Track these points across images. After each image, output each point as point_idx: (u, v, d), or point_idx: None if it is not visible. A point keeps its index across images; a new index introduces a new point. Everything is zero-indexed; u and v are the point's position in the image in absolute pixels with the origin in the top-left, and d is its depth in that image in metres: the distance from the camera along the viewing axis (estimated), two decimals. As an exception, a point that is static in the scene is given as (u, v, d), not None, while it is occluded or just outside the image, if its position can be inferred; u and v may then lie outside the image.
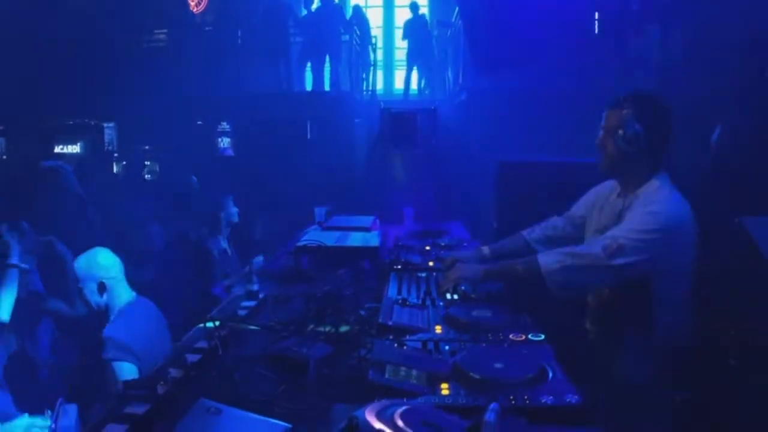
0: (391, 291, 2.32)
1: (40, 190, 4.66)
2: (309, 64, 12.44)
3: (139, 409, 1.39)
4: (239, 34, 12.65)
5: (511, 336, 1.81)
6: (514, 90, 8.88)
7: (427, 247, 3.14)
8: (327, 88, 12.18)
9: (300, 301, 2.39)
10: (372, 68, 13.05)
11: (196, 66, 12.25)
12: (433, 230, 3.80)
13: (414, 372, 1.48)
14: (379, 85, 14.50)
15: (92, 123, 13.68)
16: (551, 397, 1.38)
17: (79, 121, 13.87)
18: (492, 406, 1.04)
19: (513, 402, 1.37)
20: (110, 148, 13.98)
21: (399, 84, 14.32)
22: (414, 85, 13.32)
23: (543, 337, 1.82)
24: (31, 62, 12.10)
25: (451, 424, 1.06)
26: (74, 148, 14.21)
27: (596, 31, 10.03)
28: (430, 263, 2.76)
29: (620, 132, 2.20)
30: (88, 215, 4.47)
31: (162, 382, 1.52)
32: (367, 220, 4.15)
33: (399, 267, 2.69)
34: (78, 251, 3.19)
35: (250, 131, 12.58)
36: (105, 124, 13.96)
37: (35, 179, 9.60)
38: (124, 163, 13.96)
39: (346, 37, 11.78)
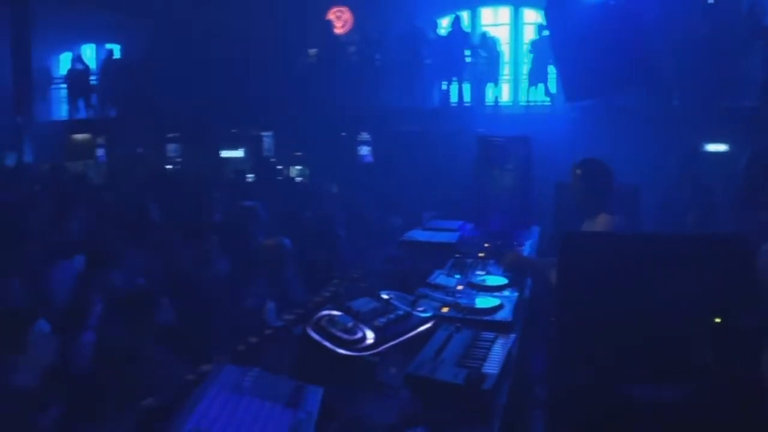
0: (445, 268, 3.79)
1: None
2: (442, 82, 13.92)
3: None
4: (377, 56, 14.22)
5: (496, 293, 3.24)
6: (618, 110, 9.86)
7: (486, 244, 4.55)
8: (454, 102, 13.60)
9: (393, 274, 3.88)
10: (496, 84, 14.33)
11: (341, 82, 13.90)
12: (499, 232, 5.19)
13: (436, 304, 2.96)
14: (506, 97, 15.71)
15: (253, 132, 15.88)
16: (492, 317, 2.82)
17: (242, 131, 16.08)
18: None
19: (478, 318, 2.82)
20: (268, 153, 16.09)
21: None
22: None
23: (517, 293, 3.24)
24: (203, 79, 14.33)
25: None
26: (238, 153, 16.46)
27: (701, 53, 10.60)
28: (480, 254, 4.18)
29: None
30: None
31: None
32: (457, 224, 5.60)
33: (457, 255, 4.15)
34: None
35: (385, 141, 14.21)
36: (264, 133, 16.08)
37: (205, 179, 11.69)
38: (280, 167, 15.97)
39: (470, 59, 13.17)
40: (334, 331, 1.86)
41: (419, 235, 5.00)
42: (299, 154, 15.93)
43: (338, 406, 1.82)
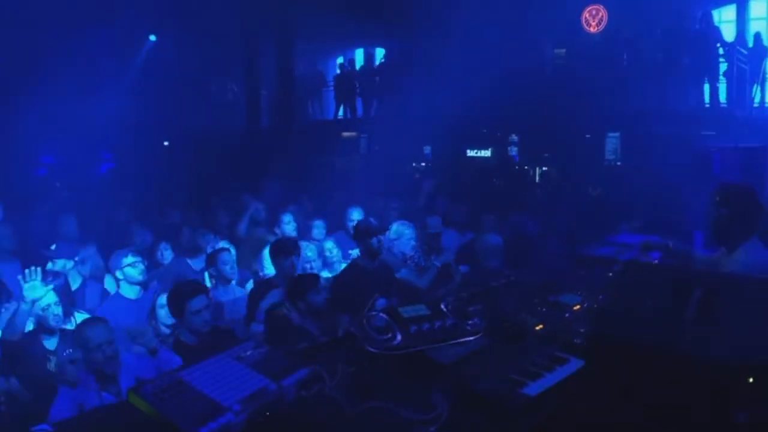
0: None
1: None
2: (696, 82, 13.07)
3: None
4: (625, 55, 13.74)
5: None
6: None
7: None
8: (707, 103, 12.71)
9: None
10: (761, 84, 13.07)
11: (592, 82, 13.66)
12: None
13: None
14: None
15: (498, 133, 16.29)
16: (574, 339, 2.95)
17: (490, 131, 16.57)
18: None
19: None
20: (513, 154, 16.41)
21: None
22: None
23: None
24: (457, 82, 14.95)
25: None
26: (485, 153, 17.00)
27: None
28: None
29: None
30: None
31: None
32: (643, 238, 5.49)
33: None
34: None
35: (633, 144, 13.72)
36: (510, 134, 16.41)
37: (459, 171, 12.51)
38: (525, 167, 16.19)
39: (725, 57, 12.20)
40: (368, 329, 2.22)
41: (592, 249, 5.04)
42: (546, 155, 16.01)
43: (366, 395, 2.17)
